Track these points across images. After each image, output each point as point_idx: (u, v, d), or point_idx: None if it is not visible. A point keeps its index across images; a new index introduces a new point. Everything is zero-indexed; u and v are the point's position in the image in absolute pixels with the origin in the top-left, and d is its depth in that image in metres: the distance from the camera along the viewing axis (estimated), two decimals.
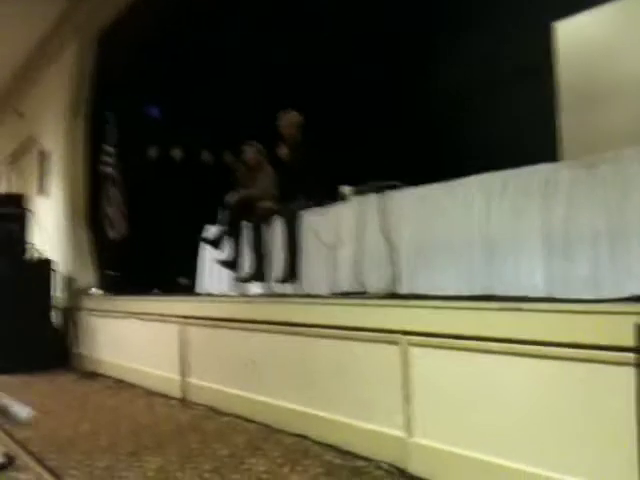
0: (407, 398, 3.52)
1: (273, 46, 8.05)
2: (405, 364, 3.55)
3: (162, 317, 6.13)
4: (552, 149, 4.24)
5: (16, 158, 11.97)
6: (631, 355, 2.52)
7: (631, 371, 2.52)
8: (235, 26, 7.91)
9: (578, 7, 4.38)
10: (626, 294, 2.99)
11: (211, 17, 7.80)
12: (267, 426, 4.47)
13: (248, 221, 6.03)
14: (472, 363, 3.20)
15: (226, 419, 4.81)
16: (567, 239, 3.39)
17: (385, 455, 3.59)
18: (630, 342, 2.51)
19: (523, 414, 2.94)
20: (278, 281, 5.50)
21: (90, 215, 8.86)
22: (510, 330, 3.01)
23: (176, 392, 5.72)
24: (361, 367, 3.87)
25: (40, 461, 3.83)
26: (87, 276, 8.51)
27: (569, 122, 4.31)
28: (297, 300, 4.82)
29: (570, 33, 4.41)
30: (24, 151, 11.36)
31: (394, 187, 4.65)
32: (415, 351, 3.51)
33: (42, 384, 6.79)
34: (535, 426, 2.89)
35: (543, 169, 3.63)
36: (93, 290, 8.19)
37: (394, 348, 3.61)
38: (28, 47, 9.81)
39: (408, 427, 3.49)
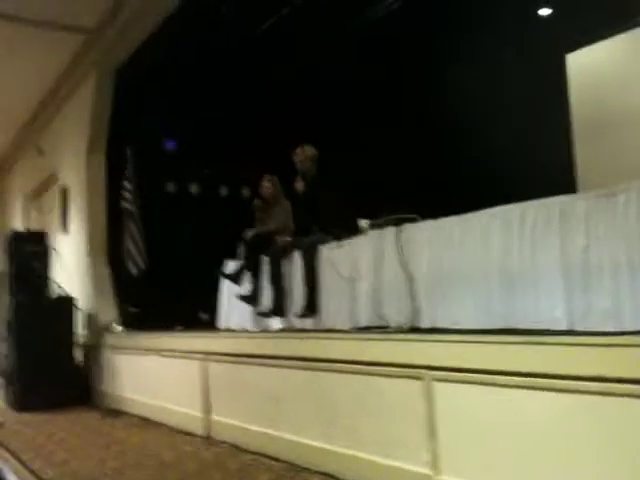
0: (432, 434, 3.50)
1: (292, 80, 8.17)
2: (429, 399, 3.54)
3: (184, 353, 6.15)
4: (570, 179, 4.26)
5: (37, 194, 12.15)
6: None
7: None
8: (252, 60, 8.02)
9: (590, 39, 4.42)
10: None
11: (228, 51, 7.91)
12: (291, 464, 4.45)
13: (267, 255, 6.07)
14: (496, 398, 3.18)
15: (250, 457, 4.80)
16: (587, 271, 3.38)
17: None
18: None
19: (549, 449, 2.92)
20: (298, 316, 5.51)
21: (110, 251, 8.96)
22: (533, 364, 3.01)
23: (199, 430, 5.73)
24: (385, 403, 3.86)
25: None
26: (108, 312, 8.57)
27: (583, 152, 4.33)
28: (318, 335, 4.83)
29: (581, 64, 4.46)
30: (45, 187, 11.53)
31: (411, 220, 4.66)
32: (439, 386, 3.50)
33: (65, 422, 6.83)
34: (562, 461, 2.86)
35: (561, 200, 3.63)
36: (115, 326, 8.25)
37: (418, 383, 3.61)
38: (46, 83, 10.00)
39: (434, 464, 3.46)
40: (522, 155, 5.67)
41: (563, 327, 3.40)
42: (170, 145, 9.94)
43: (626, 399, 2.62)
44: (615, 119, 4.10)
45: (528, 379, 3.01)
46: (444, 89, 6.82)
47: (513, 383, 3.08)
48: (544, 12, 6.38)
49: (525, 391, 3.04)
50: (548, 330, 3.38)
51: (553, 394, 2.91)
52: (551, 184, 3.87)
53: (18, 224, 12.50)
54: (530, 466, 2.98)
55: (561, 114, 4.40)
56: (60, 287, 8.60)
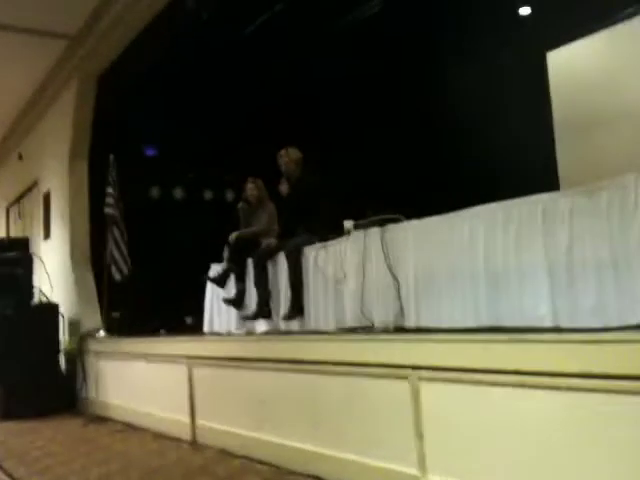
0: (419, 434, 3.49)
1: (273, 83, 8.16)
2: (415, 399, 3.53)
3: (169, 358, 6.10)
4: (554, 177, 4.28)
5: (20, 201, 12.05)
6: None
7: None
8: (233, 63, 8.02)
9: (570, 36, 4.45)
10: (633, 322, 2.99)
11: (210, 55, 7.91)
12: (279, 467, 4.41)
13: (252, 258, 6.04)
14: (483, 396, 3.18)
15: (237, 462, 4.76)
16: (571, 268, 3.39)
17: None
18: (639, 370, 2.50)
19: (536, 446, 2.92)
20: (284, 318, 5.49)
21: (94, 257, 8.90)
22: (519, 362, 3.00)
23: (186, 435, 5.67)
24: (371, 403, 3.85)
25: None
26: (93, 318, 8.49)
27: (564, 150, 4.35)
28: (304, 337, 4.81)
29: (562, 62, 4.47)
30: (28, 194, 11.43)
31: (396, 220, 4.67)
32: (425, 386, 3.49)
33: (49, 429, 6.75)
34: (548, 458, 2.86)
35: (544, 198, 3.64)
36: (99, 332, 8.17)
37: (404, 383, 3.59)
38: (28, 90, 9.94)
39: (421, 464, 3.45)
40: (505, 154, 5.70)
41: (549, 324, 3.41)
42: (150, 152, 9.90)
43: (612, 395, 2.62)
44: (595, 117, 4.12)
45: (514, 377, 3.00)
46: (427, 90, 6.85)
47: (499, 381, 3.07)
48: (524, 11, 6.44)
49: (511, 389, 3.03)
50: (534, 328, 3.39)
51: (539, 391, 2.91)
52: (535, 182, 3.88)
53: (0, 231, 12.39)
54: (518, 464, 2.98)
55: (543, 112, 4.43)
56: (43, 294, 8.51)
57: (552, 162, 4.44)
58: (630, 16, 4.48)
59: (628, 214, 3.18)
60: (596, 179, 3.49)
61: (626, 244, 3.17)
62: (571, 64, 4.37)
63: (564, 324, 3.34)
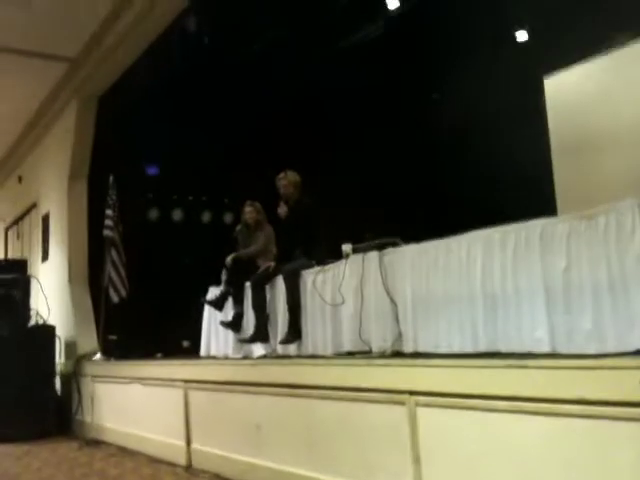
0: (416, 459, 3.46)
1: (273, 106, 8.21)
2: (412, 424, 3.50)
3: (165, 382, 6.06)
4: (552, 200, 4.29)
5: (19, 223, 12.05)
6: (638, 410, 2.48)
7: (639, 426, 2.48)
8: (232, 86, 8.07)
9: (567, 62, 4.48)
10: (630, 347, 2.97)
11: (210, 78, 7.96)
12: None
13: (249, 281, 6.02)
14: (480, 422, 3.16)
15: None
16: (568, 293, 3.38)
17: None
18: (637, 397, 2.48)
19: (532, 472, 2.89)
20: (282, 342, 5.46)
21: (92, 279, 8.87)
22: (516, 388, 2.99)
23: (181, 459, 5.62)
24: (368, 428, 3.81)
25: None
26: (89, 341, 8.45)
27: (561, 173, 4.36)
28: (301, 361, 4.78)
29: (558, 88, 4.50)
30: (26, 216, 11.44)
31: (394, 244, 4.66)
32: (422, 411, 3.46)
33: (44, 452, 6.69)
34: None
35: (542, 222, 3.64)
36: (96, 355, 8.12)
37: (401, 408, 3.57)
38: (28, 111, 9.99)
39: None
40: (503, 177, 5.72)
41: (546, 349, 3.39)
42: (152, 171, 9.91)
43: (608, 422, 2.61)
44: (591, 141, 4.15)
45: (511, 403, 2.99)
46: (425, 114, 6.89)
47: (496, 407, 3.06)
48: (521, 36, 6.50)
49: (508, 415, 3.02)
50: (531, 353, 3.37)
51: (536, 417, 2.89)
52: (532, 205, 3.89)
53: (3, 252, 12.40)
54: None
55: (541, 136, 4.45)
56: (40, 315, 8.47)
57: (550, 185, 4.46)
58: (627, 42, 4.53)
59: (625, 239, 3.17)
60: (593, 203, 3.50)
61: (623, 269, 3.16)
62: (568, 89, 4.40)
63: (561, 348, 3.32)
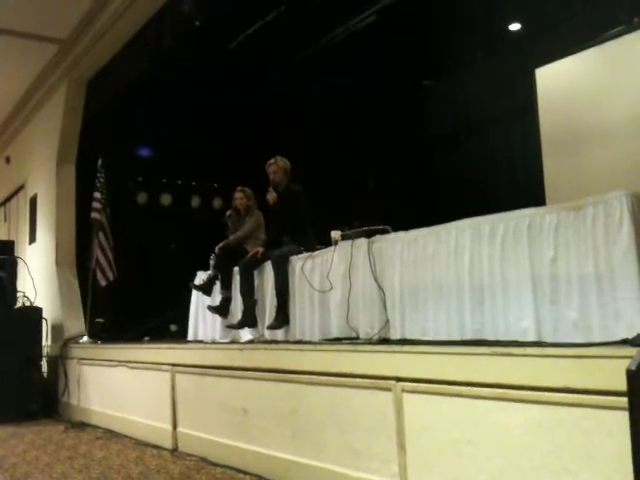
0: (401, 446, 3.48)
1: (265, 92, 8.18)
2: (398, 411, 3.52)
3: (152, 365, 6.06)
4: (541, 192, 4.31)
5: (6, 204, 11.97)
6: (623, 399, 2.51)
7: (623, 415, 2.51)
8: (224, 72, 8.03)
9: (559, 54, 4.49)
10: (615, 337, 3.00)
11: (202, 62, 7.91)
12: (260, 477, 4.40)
13: (238, 266, 6.02)
14: (465, 409, 3.18)
15: (219, 470, 4.72)
16: (555, 283, 3.41)
17: None
18: (622, 386, 2.50)
19: (517, 460, 2.92)
20: (269, 327, 5.47)
21: (79, 262, 8.84)
22: (501, 375, 3.00)
23: (167, 443, 5.63)
24: (354, 414, 3.83)
25: None
26: (76, 324, 8.43)
27: (550, 166, 4.38)
28: (288, 347, 4.79)
29: (549, 79, 4.51)
30: (14, 197, 11.36)
31: (383, 231, 4.67)
32: (408, 397, 3.48)
33: (29, 435, 6.68)
34: (529, 471, 2.86)
35: (530, 213, 3.66)
36: (83, 338, 8.11)
37: (387, 395, 3.58)
38: (17, 93, 9.91)
39: (403, 476, 3.44)
40: (493, 168, 5.74)
41: (532, 338, 3.42)
42: (144, 152, 9.84)
43: (594, 410, 2.63)
44: (582, 133, 4.17)
45: (497, 390, 3.01)
46: (415, 104, 6.88)
47: (482, 394, 3.08)
48: (514, 27, 6.51)
49: (494, 402, 3.04)
50: (517, 341, 3.39)
51: (522, 405, 2.91)
52: (521, 196, 3.91)
53: None
54: (499, 477, 2.97)
55: (531, 128, 4.47)
56: (27, 298, 8.44)
57: (539, 176, 4.48)
58: (618, 34, 4.55)
59: (613, 230, 3.20)
60: (582, 194, 3.52)
61: (610, 260, 3.19)
62: (559, 81, 4.42)
63: (547, 338, 3.35)
